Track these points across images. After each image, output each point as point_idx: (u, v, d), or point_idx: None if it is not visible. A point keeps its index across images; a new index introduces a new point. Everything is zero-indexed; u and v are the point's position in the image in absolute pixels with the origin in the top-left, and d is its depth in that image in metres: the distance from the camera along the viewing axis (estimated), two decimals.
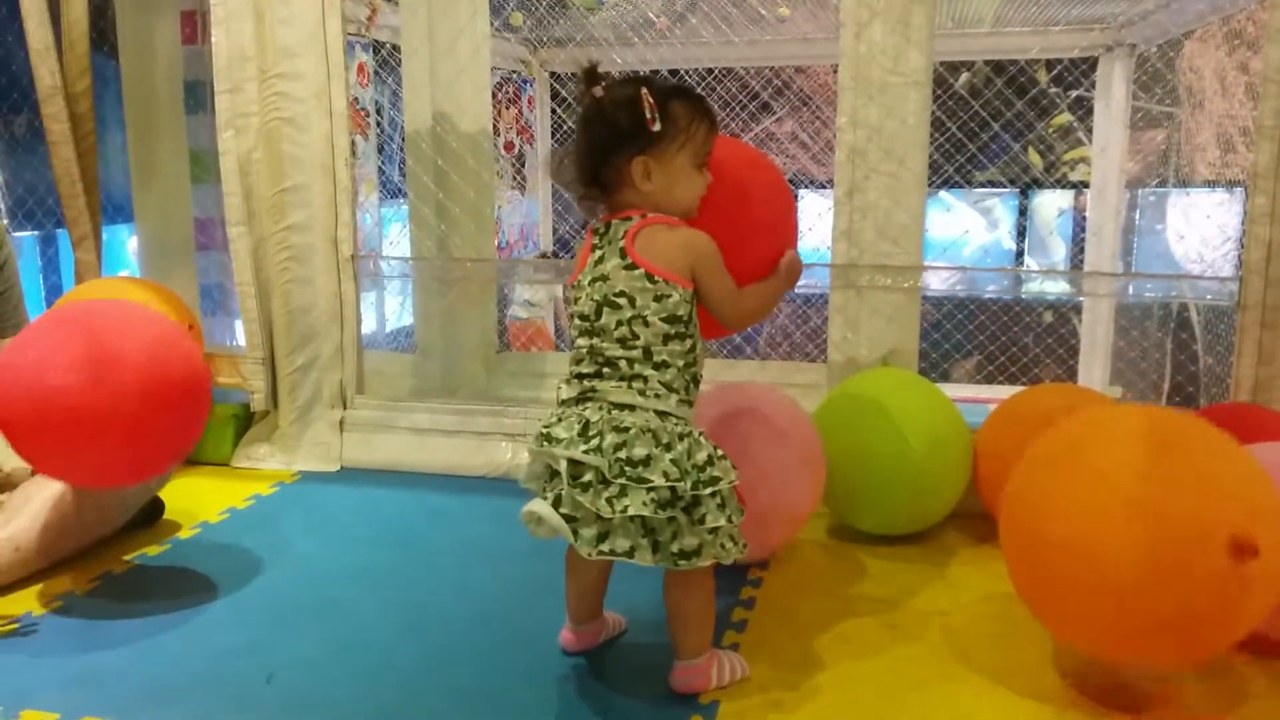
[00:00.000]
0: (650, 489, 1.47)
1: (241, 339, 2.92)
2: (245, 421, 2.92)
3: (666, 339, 1.54)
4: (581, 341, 1.60)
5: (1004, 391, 3.08)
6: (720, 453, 1.56)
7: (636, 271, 1.54)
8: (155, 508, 2.36)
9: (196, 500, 2.54)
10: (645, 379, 1.53)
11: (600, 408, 1.53)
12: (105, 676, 1.69)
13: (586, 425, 1.51)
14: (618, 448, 1.48)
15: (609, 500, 1.47)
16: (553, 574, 2.02)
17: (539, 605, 1.94)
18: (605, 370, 1.56)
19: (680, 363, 1.56)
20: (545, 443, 1.54)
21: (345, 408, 2.89)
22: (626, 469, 1.47)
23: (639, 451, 1.48)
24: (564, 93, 4.84)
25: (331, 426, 2.87)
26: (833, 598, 2.01)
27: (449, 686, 1.67)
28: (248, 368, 2.86)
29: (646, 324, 1.54)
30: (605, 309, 1.56)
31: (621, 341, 1.54)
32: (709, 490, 1.50)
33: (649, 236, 1.57)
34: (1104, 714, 1.58)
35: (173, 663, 1.74)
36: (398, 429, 2.86)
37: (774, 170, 1.84)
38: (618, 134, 1.57)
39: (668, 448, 1.49)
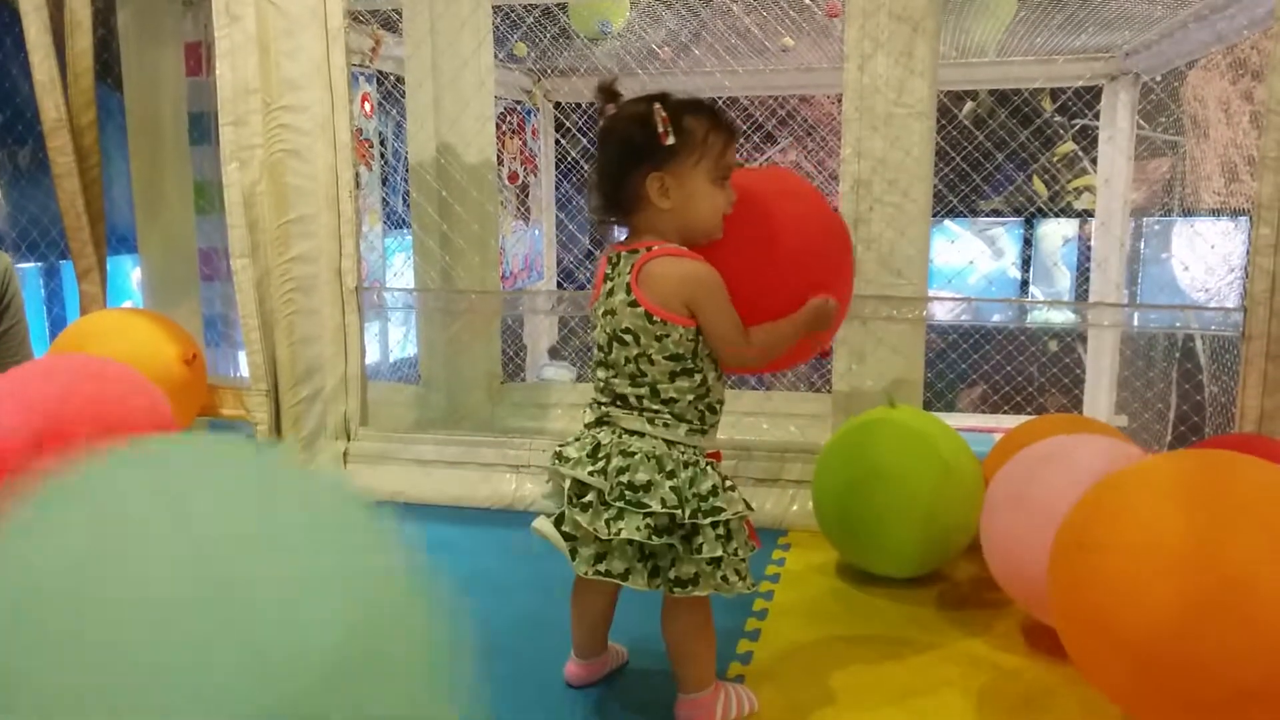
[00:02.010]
0: (647, 514, 1.46)
1: (245, 370, 2.92)
2: None
3: (673, 376, 1.53)
4: (599, 373, 1.60)
5: (1009, 421, 3.07)
6: (729, 484, 1.54)
7: (639, 309, 1.52)
8: None
9: None
10: (655, 411, 1.54)
11: (613, 431, 1.54)
12: None
13: (597, 447, 1.53)
14: (621, 471, 1.49)
15: (607, 522, 1.48)
16: (558, 606, 2.00)
17: (544, 637, 1.92)
18: (618, 402, 1.56)
19: (690, 396, 1.54)
20: (557, 461, 1.57)
21: (349, 439, 2.89)
22: (626, 493, 1.48)
23: (640, 477, 1.48)
24: (568, 123, 4.86)
25: (335, 458, 2.86)
26: (839, 629, 1.99)
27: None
28: (251, 399, 2.86)
29: (652, 362, 1.53)
30: (615, 344, 1.55)
31: (631, 378, 1.54)
32: (709, 520, 1.49)
33: (652, 271, 1.53)
34: None
35: None
36: (402, 460, 2.85)
37: (810, 202, 1.71)
38: (631, 150, 1.53)
39: (670, 475, 1.49)
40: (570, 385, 4.00)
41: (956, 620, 2.04)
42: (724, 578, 1.50)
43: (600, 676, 1.77)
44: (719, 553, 1.49)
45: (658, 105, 1.51)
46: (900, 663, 1.85)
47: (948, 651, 1.90)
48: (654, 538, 1.47)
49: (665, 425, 1.53)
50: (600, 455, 1.52)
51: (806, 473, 2.48)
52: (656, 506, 1.46)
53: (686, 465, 1.51)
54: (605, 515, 1.48)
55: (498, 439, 2.85)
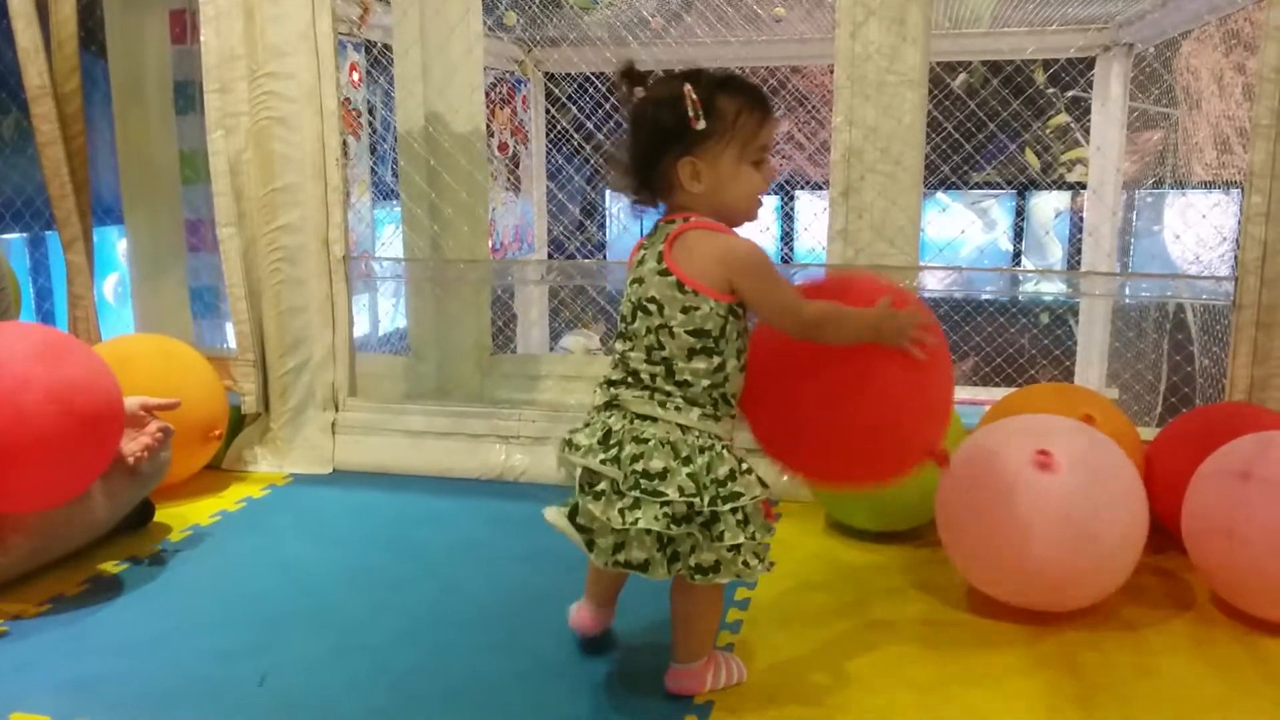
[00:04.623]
0: (665, 503, 1.44)
1: (233, 341, 2.90)
2: (236, 424, 2.89)
3: (691, 354, 1.48)
4: (618, 345, 1.56)
5: (1001, 394, 3.07)
6: (745, 467, 1.51)
7: (670, 278, 1.48)
8: (146, 511, 2.34)
9: (187, 503, 2.52)
10: (667, 393, 1.50)
11: (624, 416, 1.51)
12: (96, 680, 1.67)
13: (608, 434, 1.50)
14: (635, 459, 1.46)
15: (622, 511, 1.45)
16: (547, 577, 2.02)
17: (533, 607, 1.92)
18: (629, 379, 1.52)
19: (705, 381, 1.49)
20: (567, 449, 1.53)
21: (338, 410, 2.87)
22: (642, 481, 1.44)
23: (656, 464, 1.45)
24: (558, 93, 4.82)
25: (323, 429, 2.85)
26: (828, 597, 1.99)
27: (443, 689, 1.65)
28: (239, 370, 2.84)
29: (672, 335, 1.48)
30: (639, 313, 1.51)
31: (648, 351, 1.50)
32: (729, 506, 1.46)
33: (688, 241, 1.49)
34: (1094, 709, 1.57)
35: (164, 666, 1.72)
36: (391, 431, 2.84)
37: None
38: (661, 135, 1.49)
39: (686, 461, 1.46)
40: (560, 357, 3.99)
41: (945, 583, 2.04)
42: (745, 563, 1.49)
43: (604, 629, 1.76)
44: (740, 539, 1.47)
45: (688, 87, 1.46)
46: (889, 628, 1.86)
47: (937, 615, 1.90)
48: (672, 527, 1.44)
49: (677, 409, 1.49)
50: (612, 442, 1.48)
51: None
52: (674, 495, 1.44)
53: (702, 450, 1.48)
54: (620, 505, 1.45)
55: (487, 410, 2.84)
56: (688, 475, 1.45)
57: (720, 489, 1.46)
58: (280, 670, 1.70)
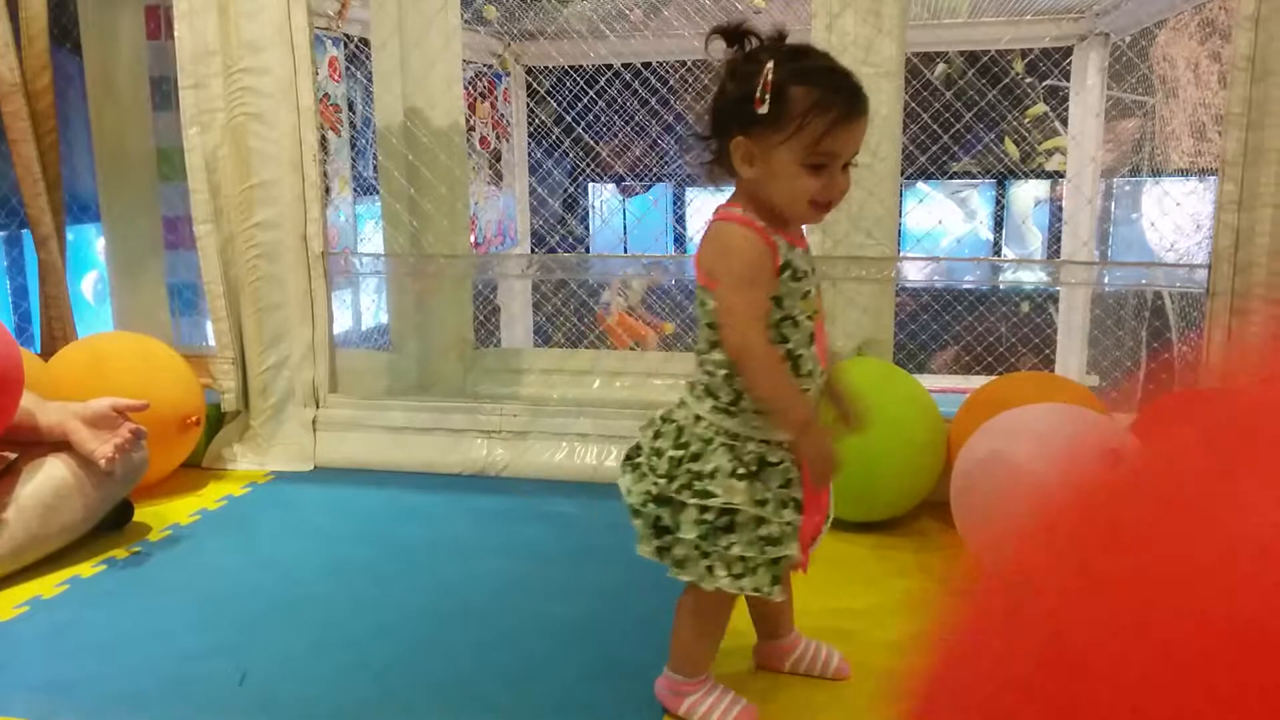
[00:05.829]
0: (654, 481, 1.45)
1: (212, 339, 2.89)
2: (216, 422, 2.88)
3: (711, 345, 1.45)
4: None
5: (981, 382, 3.10)
6: (742, 473, 1.42)
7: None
8: (124, 510, 2.33)
9: (167, 502, 2.51)
10: (695, 381, 1.49)
11: (680, 402, 1.51)
12: (74, 681, 1.67)
13: (670, 412, 1.51)
14: (657, 436, 1.48)
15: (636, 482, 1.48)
16: (528, 571, 2.02)
17: (515, 603, 1.92)
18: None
19: (723, 372, 1.44)
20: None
21: (318, 407, 2.87)
22: (651, 459, 1.47)
23: (663, 444, 1.46)
24: (537, 86, 4.81)
25: (304, 426, 2.84)
26: (807, 586, 2.00)
27: (425, 684, 1.65)
28: (218, 368, 2.83)
29: (700, 326, 1.48)
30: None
31: (697, 341, 1.50)
32: (694, 500, 1.41)
33: (706, 234, 1.45)
34: None
35: (144, 666, 1.72)
36: (372, 427, 2.84)
37: None
38: (726, 106, 1.41)
39: (682, 446, 1.45)
40: (542, 351, 3.98)
41: (919, 570, 2.05)
42: (709, 568, 1.43)
43: (781, 665, 1.68)
44: (691, 535, 1.41)
45: (770, 64, 1.34)
46: (865, 617, 1.87)
47: (909, 602, 1.91)
48: (648, 505, 1.45)
49: (697, 398, 1.47)
50: (664, 420, 1.50)
51: None
52: (657, 475, 1.45)
53: (701, 440, 1.44)
54: (638, 475, 1.48)
55: (469, 404, 2.84)
56: (670, 459, 1.44)
57: (695, 480, 1.42)
58: (261, 667, 1.70)
